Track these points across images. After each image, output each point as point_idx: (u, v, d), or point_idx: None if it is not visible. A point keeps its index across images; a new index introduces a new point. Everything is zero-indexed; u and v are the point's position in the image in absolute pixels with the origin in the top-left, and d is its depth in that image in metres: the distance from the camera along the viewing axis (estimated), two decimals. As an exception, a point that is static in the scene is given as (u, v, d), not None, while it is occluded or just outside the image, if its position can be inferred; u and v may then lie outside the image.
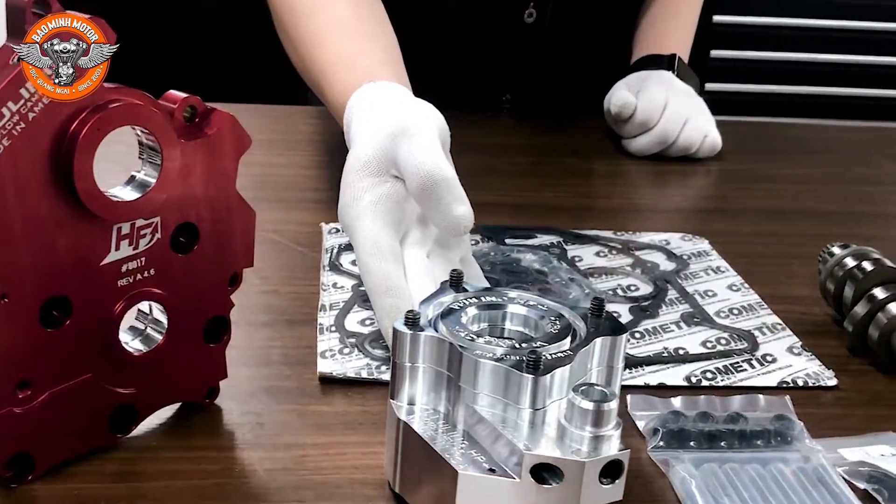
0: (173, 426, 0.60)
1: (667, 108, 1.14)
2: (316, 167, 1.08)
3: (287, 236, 0.89)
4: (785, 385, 0.68)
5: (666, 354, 0.71)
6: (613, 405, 0.48)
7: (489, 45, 1.23)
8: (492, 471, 0.48)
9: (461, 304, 0.55)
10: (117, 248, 0.54)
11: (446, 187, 0.66)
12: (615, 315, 0.62)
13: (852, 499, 0.55)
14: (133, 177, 0.55)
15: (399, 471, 0.52)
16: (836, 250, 0.79)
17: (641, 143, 1.15)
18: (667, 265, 0.87)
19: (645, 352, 0.72)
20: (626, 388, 0.67)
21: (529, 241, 0.90)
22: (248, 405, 0.63)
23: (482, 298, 0.55)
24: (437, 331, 0.52)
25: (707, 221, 0.99)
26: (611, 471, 0.48)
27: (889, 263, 0.76)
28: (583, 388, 0.48)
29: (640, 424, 0.62)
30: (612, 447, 0.48)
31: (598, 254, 0.88)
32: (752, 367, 0.70)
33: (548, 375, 0.49)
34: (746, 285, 0.83)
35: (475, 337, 0.51)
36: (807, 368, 0.70)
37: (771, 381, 0.69)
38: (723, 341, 0.74)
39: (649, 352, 0.72)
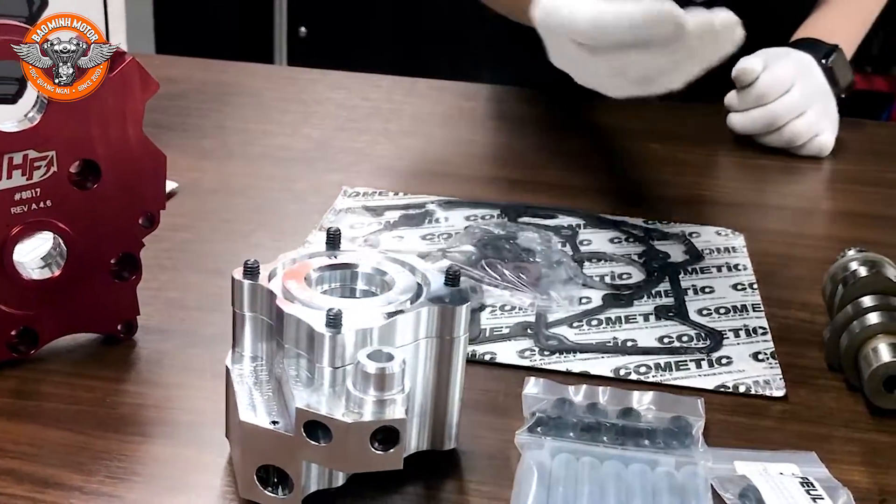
0: (83, 354, 0.65)
1: (789, 92, 1.06)
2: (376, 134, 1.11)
3: (298, 196, 0.92)
4: (723, 390, 0.65)
5: (610, 344, 0.69)
6: (397, 370, 0.48)
7: None
8: (275, 423, 0.49)
9: (318, 262, 0.55)
10: (9, 177, 0.59)
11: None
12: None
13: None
14: (27, 112, 0.59)
15: (226, 417, 0.54)
16: (850, 253, 0.74)
17: (746, 119, 1.09)
18: (679, 257, 0.84)
19: (591, 339, 0.70)
20: (541, 372, 0.66)
21: (545, 221, 0.89)
22: (162, 345, 0.67)
23: (337, 257, 0.56)
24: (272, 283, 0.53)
25: (766, 218, 0.95)
26: (387, 437, 0.48)
27: (892, 274, 0.70)
28: (372, 352, 0.49)
29: (526, 407, 0.61)
30: (389, 413, 0.48)
31: (612, 240, 0.86)
32: (699, 367, 0.67)
33: (345, 334, 0.49)
34: (755, 286, 0.79)
35: (310, 293, 0.52)
36: (761, 376, 0.67)
37: (709, 383, 0.66)
38: (685, 338, 0.71)
39: (595, 339, 0.70)
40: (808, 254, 0.86)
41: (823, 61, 1.10)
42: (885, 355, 0.63)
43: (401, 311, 0.51)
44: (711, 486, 0.55)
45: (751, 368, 0.67)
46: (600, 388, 0.62)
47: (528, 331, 0.70)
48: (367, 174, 0.99)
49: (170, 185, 0.92)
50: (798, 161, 1.09)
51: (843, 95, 1.11)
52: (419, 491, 0.55)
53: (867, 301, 0.68)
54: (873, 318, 0.66)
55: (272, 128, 1.10)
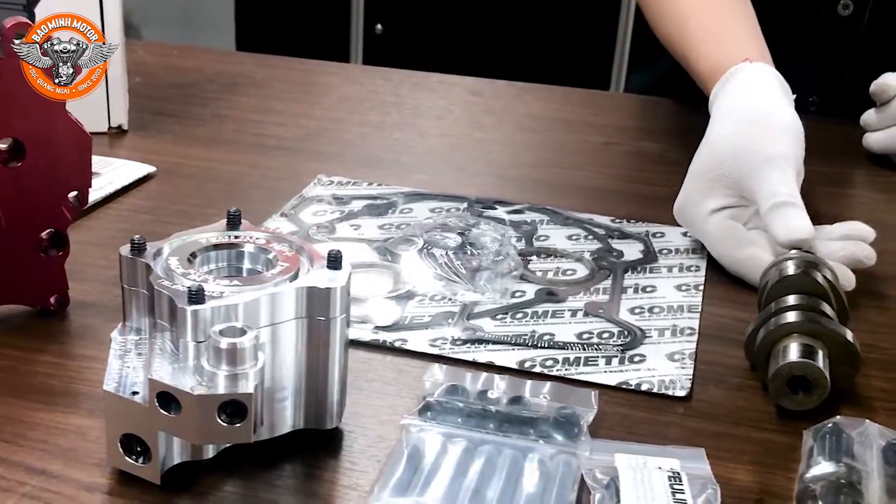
0: (12, 326, 0.69)
1: None
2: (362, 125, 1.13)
3: (274, 183, 0.96)
4: (625, 387, 0.66)
5: (525, 337, 0.71)
6: (248, 345, 0.50)
7: (798, 40, 1.19)
8: (135, 393, 0.52)
9: (208, 241, 0.58)
10: (-71, 152, 0.63)
11: (793, 208, 0.75)
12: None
13: (563, 497, 0.54)
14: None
15: (110, 389, 0.57)
16: (792, 253, 0.74)
17: (883, 137, 1.06)
18: (634, 256, 0.84)
19: (509, 332, 0.71)
20: (449, 361, 0.67)
21: (510, 216, 0.90)
22: (90, 320, 0.70)
23: (228, 238, 0.58)
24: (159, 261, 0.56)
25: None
26: (235, 410, 0.50)
27: (825, 277, 0.70)
28: (225, 327, 0.51)
29: (421, 393, 0.63)
30: (237, 387, 0.50)
31: (570, 237, 0.88)
32: (609, 363, 0.68)
33: (207, 310, 0.52)
34: (701, 287, 0.80)
35: (187, 270, 0.55)
36: (668, 376, 0.67)
37: (612, 380, 0.67)
38: (605, 335, 0.72)
39: (513, 332, 0.71)
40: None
41: None
42: (792, 355, 0.63)
43: (271, 290, 0.53)
44: (582, 476, 0.56)
45: (662, 367, 0.68)
46: (497, 377, 0.64)
47: (449, 321, 0.72)
48: (351, 164, 1.01)
49: (147, 170, 0.96)
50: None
51: None
52: (293, 467, 0.57)
53: (788, 300, 0.68)
54: (790, 316, 0.66)
55: (270, 117, 1.14)
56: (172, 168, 0.98)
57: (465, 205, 0.92)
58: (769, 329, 0.66)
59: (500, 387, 0.63)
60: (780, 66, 1.16)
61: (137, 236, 0.57)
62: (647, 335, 0.72)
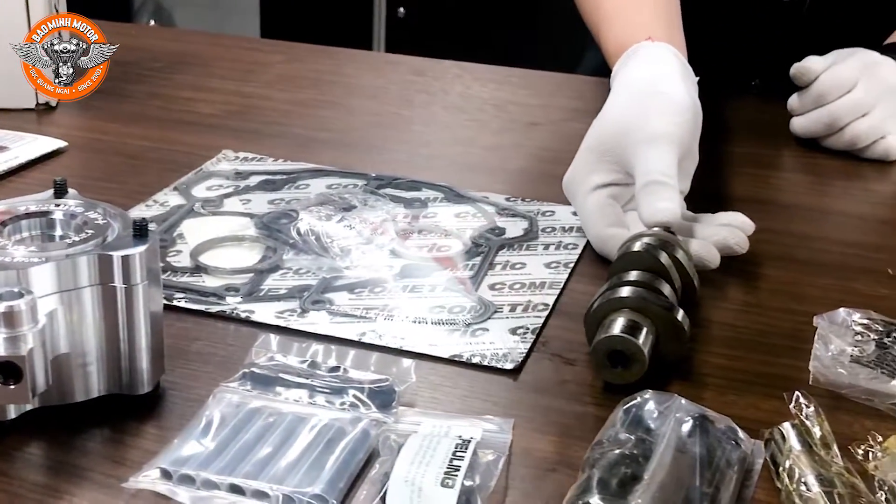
0: None
1: (851, 92, 1.01)
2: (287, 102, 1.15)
3: (182, 158, 0.97)
4: (456, 359, 0.67)
5: (373, 311, 0.72)
6: (24, 308, 0.52)
7: (740, 24, 1.21)
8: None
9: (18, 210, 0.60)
10: None
11: (663, 188, 0.75)
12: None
13: (347, 463, 0.56)
14: None
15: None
16: (654, 230, 0.75)
17: (807, 121, 1.05)
18: (515, 233, 0.85)
19: (362, 305, 0.73)
20: (289, 332, 0.69)
21: (405, 193, 0.92)
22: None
23: (39, 206, 0.60)
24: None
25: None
26: (10, 372, 0.52)
27: (672, 256, 0.71)
28: (4, 291, 0.53)
29: (247, 361, 0.64)
30: (11, 348, 0.52)
31: (458, 214, 0.88)
32: (450, 337, 0.70)
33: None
34: (571, 265, 0.80)
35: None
36: (503, 349, 0.68)
37: (447, 352, 0.68)
38: (456, 310, 0.73)
39: (364, 306, 0.73)
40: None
41: None
42: (614, 329, 0.64)
43: (64, 257, 0.55)
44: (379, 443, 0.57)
45: (500, 342, 0.69)
46: (324, 347, 0.65)
47: (303, 293, 0.73)
48: (266, 141, 1.03)
49: (56, 144, 0.98)
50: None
51: None
52: (101, 432, 0.59)
53: (627, 276, 0.69)
54: (621, 292, 0.67)
55: (201, 95, 1.16)
56: (86, 143, 1.01)
57: (363, 182, 0.93)
58: (601, 303, 0.67)
59: (325, 358, 0.64)
60: (722, 49, 1.17)
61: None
62: (498, 310, 0.73)
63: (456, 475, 0.53)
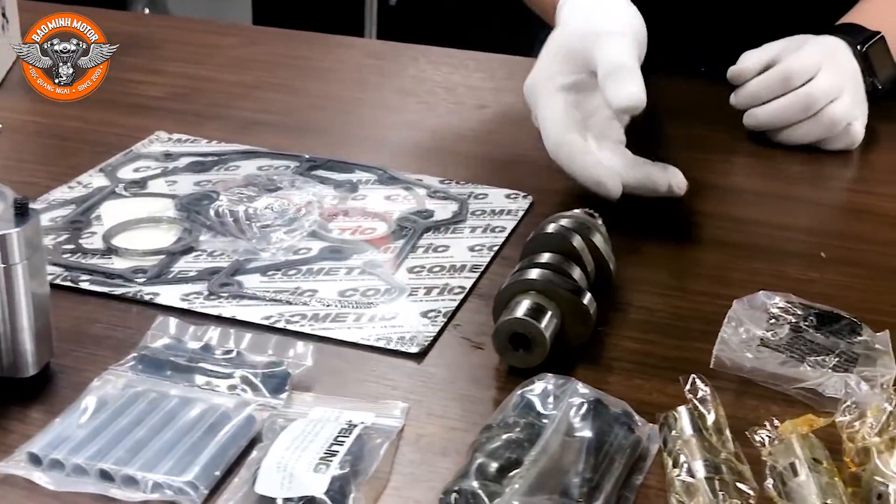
0: None
1: (818, 76, 0.96)
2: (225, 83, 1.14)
3: (115, 140, 0.96)
4: (361, 343, 0.66)
5: (285, 293, 0.71)
6: None
7: (688, 12, 1.19)
8: None
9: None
10: None
11: (628, 72, 0.76)
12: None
13: (225, 448, 0.55)
14: None
15: None
16: (574, 212, 0.73)
17: (773, 109, 0.99)
18: (444, 216, 0.84)
19: (273, 287, 0.72)
20: (192, 315, 0.68)
21: (338, 175, 0.90)
22: None
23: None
24: None
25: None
26: None
27: (587, 239, 0.70)
28: None
29: (142, 344, 0.63)
30: None
31: (389, 196, 0.87)
32: (358, 320, 0.68)
33: None
34: (496, 248, 0.79)
35: None
36: (410, 332, 0.67)
37: (353, 336, 0.67)
38: (369, 293, 0.72)
39: (276, 288, 0.71)
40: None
41: (859, 47, 0.99)
42: (517, 311, 0.63)
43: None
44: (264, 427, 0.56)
45: (409, 325, 0.68)
46: (219, 331, 0.64)
47: (213, 276, 0.72)
48: (205, 123, 1.02)
49: (-9, 126, 0.97)
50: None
51: (880, 87, 1.00)
52: (-16, 414, 0.58)
53: (538, 258, 0.67)
54: (527, 274, 0.65)
55: (149, 77, 1.15)
56: (21, 126, 0.99)
57: (296, 164, 0.91)
58: (507, 285, 0.65)
59: (222, 341, 0.63)
60: (670, 37, 1.14)
61: None
62: (413, 293, 0.71)
63: (331, 461, 0.52)
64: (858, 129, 0.99)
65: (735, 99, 1.01)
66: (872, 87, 1.00)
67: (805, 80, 0.97)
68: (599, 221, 0.74)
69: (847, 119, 0.98)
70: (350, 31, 3.13)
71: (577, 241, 0.68)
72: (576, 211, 0.74)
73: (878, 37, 1.00)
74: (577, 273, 0.67)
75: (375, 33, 3.14)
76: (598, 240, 0.70)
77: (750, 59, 1.00)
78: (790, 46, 1.00)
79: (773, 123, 1.00)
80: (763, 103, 1.00)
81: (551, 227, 0.70)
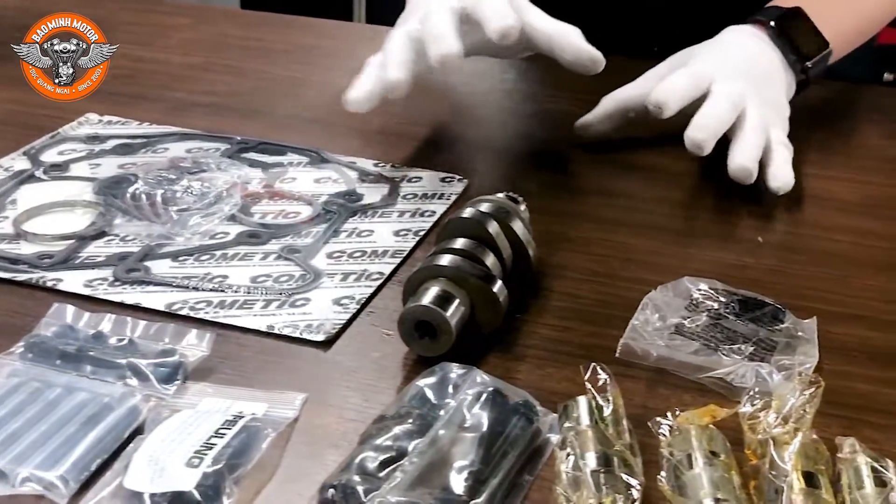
0: None
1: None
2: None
3: (43, 121, 0.93)
4: (266, 331, 0.64)
5: (193, 279, 0.69)
6: None
7: None
8: None
9: None
10: None
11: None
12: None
13: (102, 440, 0.53)
14: None
15: None
16: (497, 196, 0.71)
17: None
18: (373, 199, 0.82)
19: (182, 273, 0.70)
20: (96, 302, 0.66)
21: (269, 157, 0.88)
22: None
23: None
24: None
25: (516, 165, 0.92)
26: None
27: (505, 225, 0.68)
28: None
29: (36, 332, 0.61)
30: None
31: (318, 179, 0.85)
32: (266, 307, 0.67)
33: None
34: (422, 233, 0.77)
35: None
36: (320, 320, 0.65)
37: (259, 323, 0.65)
38: (283, 279, 0.70)
39: (185, 274, 0.69)
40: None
41: (772, 24, 0.89)
42: (423, 299, 0.61)
43: None
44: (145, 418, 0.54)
45: (320, 312, 0.66)
46: (112, 318, 0.62)
47: (121, 261, 0.70)
48: (145, 105, 0.99)
49: (-85, 108, 0.94)
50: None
51: (809, 65, 0.90)
52: None
53: (452, 243, 0.65)
54: (441, 260, 0.63)
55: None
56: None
57: (227, 145, 0.89)
58: (417, 271, 0.63)
59: (119, 329, 0.61)
60: (621, 15, 1.12)
61: None
62: (328, 279, 0.69)
63: (206, 454, 0.49)
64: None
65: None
66: (802, 70, 0.90)
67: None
68: (522, 207, 0.71)
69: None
70: (339, 13, 3.11)
71: (493, 226, 0.66)
72: (498, 195, 0.72)
73: (795, 11, 0.90)
74: (490, 259, 0.65)
75: (364, 16, 3.11)
76: (518, 225, 0.68)
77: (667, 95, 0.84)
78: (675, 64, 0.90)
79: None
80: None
81: (467, 212, 0.67)
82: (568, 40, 0.82)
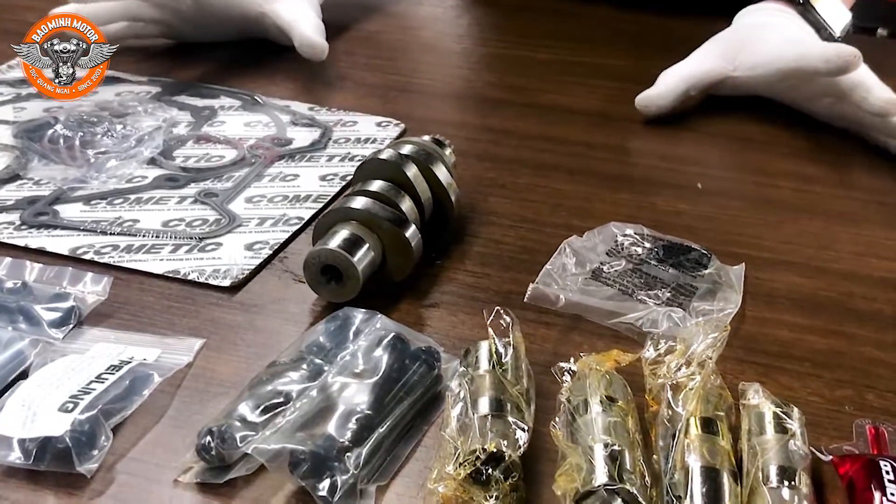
0: None
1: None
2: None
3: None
4: (171, 276, 0.62)
5: (103, 223, 0.67)
6: None
7: None
8: None
9: None
10: None
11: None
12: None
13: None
14: None
15: None
16: (423, 138, 0.70)
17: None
18: (303, 143, 0.80)
19: (92, 217, 0.68)
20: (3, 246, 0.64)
21: (200, 101, 0.86)
22: None
23: None
24: None
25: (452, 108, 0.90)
26: None
27: (426, 169, 0.66)
28: None
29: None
30: None
31: (248, 123, 0.83)
32: (175, 252, 0.65)
33: None
34: (348, 177, 0.75)
35: None
36: (229, 265, 0.63)
37: (163, 268, 0.63)
38: (196, 223, 0.68)
39: (95, 218, 0.68)
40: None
41: (801, 1, 0.89)
42: (331, 242, 0.59)
43: None
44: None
45: (229, 257, 0.64)
46: (9, 261, 0.60)
47: (30, 205, 0.68)
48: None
49: None
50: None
51: (838, 38, 0.89)
52: None
53: (369, 185, 0.64)
54: (353, 202, 0.61)
55: (43, 5, 1.09)
56: None
57: (158, 89, 0.87)
58: (328, 213, 0.61)
59: (12, 273, 0.59)
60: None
61: None
62: (243, 224, 0.67)
63: (81, 399, 0.48)
64: None
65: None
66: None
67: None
68: (448, 150, 0.69)
69: None
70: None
71: (411, 169, 0.64)
72: (424, 138, 0.70)
73: None
74: (406, 204, 0.63)
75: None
76: (441, 169, 0.66)
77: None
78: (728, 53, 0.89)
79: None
80: None
81: (386, 154, 0.65)
82: (299, 30, 0.89)
